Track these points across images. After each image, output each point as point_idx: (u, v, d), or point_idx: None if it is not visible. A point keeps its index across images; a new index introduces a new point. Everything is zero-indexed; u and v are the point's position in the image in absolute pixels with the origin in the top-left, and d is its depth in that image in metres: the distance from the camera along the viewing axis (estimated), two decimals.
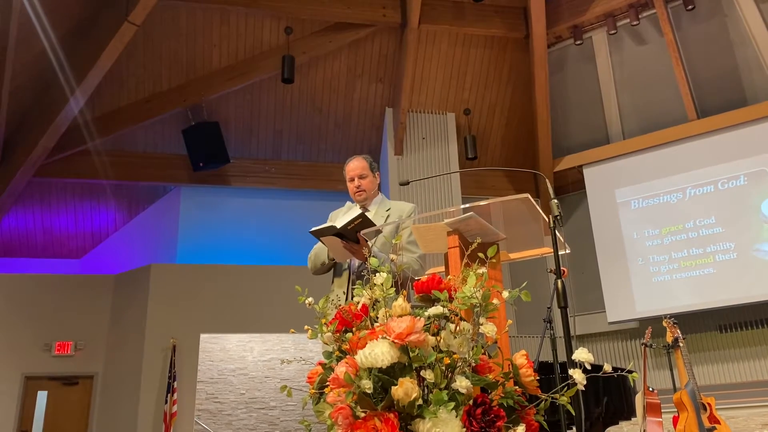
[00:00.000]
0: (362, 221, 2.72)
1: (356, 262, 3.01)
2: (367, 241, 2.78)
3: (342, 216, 2.90)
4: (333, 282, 3.18)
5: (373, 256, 2.87)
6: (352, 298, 2.79)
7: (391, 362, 1.76)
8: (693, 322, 8.09)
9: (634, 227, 8.67)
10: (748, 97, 8.26)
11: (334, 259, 3.08)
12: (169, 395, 7.95)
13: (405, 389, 1.71)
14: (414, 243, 2.91)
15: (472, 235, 2.39)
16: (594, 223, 8.99)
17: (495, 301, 1.94)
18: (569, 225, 9.43)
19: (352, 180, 3.23)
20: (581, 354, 1.90)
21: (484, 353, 1.94)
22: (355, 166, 3.23)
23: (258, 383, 9.51)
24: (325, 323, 2.11)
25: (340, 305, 2.16)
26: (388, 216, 3.13)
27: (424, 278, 2.05)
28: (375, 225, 2.77)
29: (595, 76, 9.18)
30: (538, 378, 1.98)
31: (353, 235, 2.78)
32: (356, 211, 2.76)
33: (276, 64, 8.44)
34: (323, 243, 2.98)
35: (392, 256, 2.81)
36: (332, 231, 2.79)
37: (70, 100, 7.76)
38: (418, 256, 2.94)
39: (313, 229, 2.85)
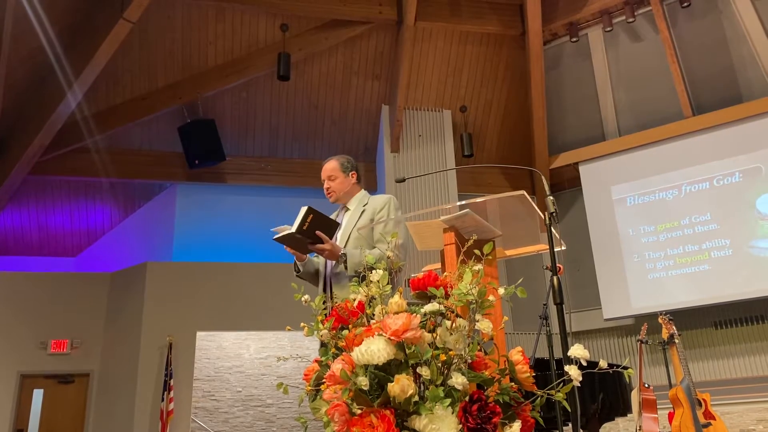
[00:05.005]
0: (314, 218, 2.72)
1: (330, 263, 3.03)
2: (331, 239, 2.81)
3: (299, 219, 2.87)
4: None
5: (344, 254, 2.89)
6: (332, 299, 2.79)
7: (387, 359, 1.76)
8: (688, 318, 8.12)
9: (630, 224, 8.68)
10: (743, 94, 8.28)
11: (300, 270, 3.11)
12: (165, 393, 7.94)
13: (401, 386, 1.72)
14: (389, 234, 2.92)
15: (468, 232, 2.40)
16: (590, 220, 9.00)
17: (491, 297, 1.94)
18: (565, 222, 9.45)
19: (324, 181, 3.30)
20: (577, 350, 1.90)
21: (480, 350, 1.94)
22: (326, 168, 3.30)
23: (254, 381, 9.51)
24: (321, 320, 2.11)
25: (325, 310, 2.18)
26: (363, 212, 3.14)
27: (420, 275, 2.05)
28: (329, 219, 2.78)
29: (590, 73, 9.19)
30: (533, 374, 1.98)
31: (313, 234, 2.79)
32: (303, 209, 2.77)
33: (272, 62, 8.42)
34: (287, 249, 2.97)
35: (366, 250, 2.81)
36: (291, 236, 2.79)
37: (65, 98, 7.73)
38: (393, 246, 2.91)
39: (276, 237, 2.85)
